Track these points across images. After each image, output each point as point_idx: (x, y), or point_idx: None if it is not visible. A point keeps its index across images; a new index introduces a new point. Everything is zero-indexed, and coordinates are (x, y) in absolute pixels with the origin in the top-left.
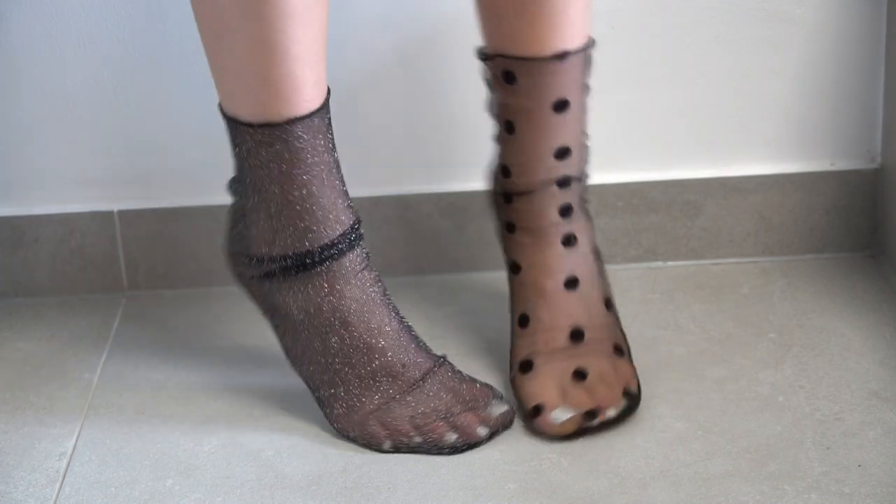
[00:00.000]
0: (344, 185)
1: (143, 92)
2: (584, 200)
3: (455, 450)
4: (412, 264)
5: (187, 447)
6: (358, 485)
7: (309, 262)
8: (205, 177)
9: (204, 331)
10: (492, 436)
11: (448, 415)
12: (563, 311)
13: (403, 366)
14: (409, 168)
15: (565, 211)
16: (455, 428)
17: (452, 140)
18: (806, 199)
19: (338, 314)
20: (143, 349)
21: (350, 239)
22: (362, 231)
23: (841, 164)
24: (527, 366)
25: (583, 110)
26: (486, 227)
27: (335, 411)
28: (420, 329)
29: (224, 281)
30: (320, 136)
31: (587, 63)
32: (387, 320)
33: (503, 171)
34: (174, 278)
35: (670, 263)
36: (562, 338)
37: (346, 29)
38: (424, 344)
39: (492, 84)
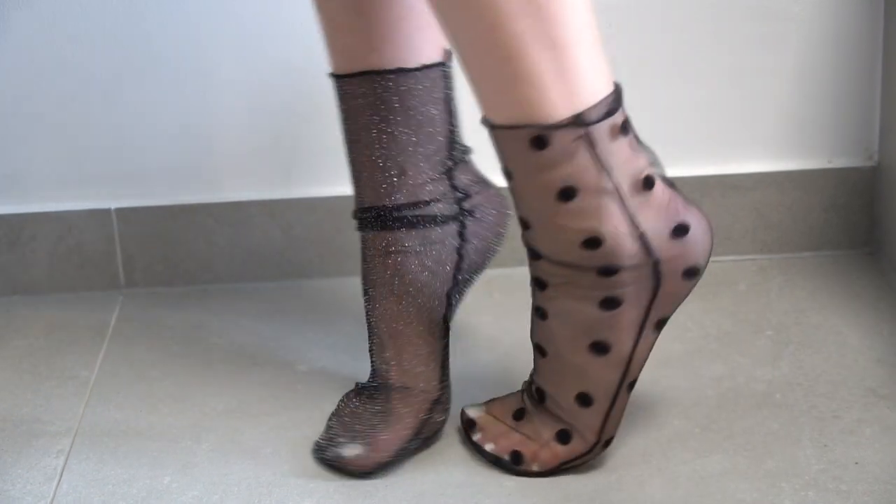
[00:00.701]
0: (392, 168)
1: (141, 90)
2: (607, 298)
3: (314, 450)
4: None
5: (185, 445)
6: (356, 483)
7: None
8: (202, 174)
9: (201, 328)
10: (331, 466)
11: (350, 426)
12: (536, 367)
13: (375, 369)
14: None
15: (537, 282)
16: (331, 438)
17: None
18: (804, 196)
19: (362, 283)
20: (141, 347)
21: (369, 217)
22: (390, 221)
23: (839, 162)
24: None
25: (544, 192)
26: None
27: None
28: None
29: (221, 278)
30: (354, 100)
31: (527, 146)
32: (383, 316)
33: None
34: (171, 276)
35: None
36: (534, 386)
37: None
38: (431, 372)
39: None
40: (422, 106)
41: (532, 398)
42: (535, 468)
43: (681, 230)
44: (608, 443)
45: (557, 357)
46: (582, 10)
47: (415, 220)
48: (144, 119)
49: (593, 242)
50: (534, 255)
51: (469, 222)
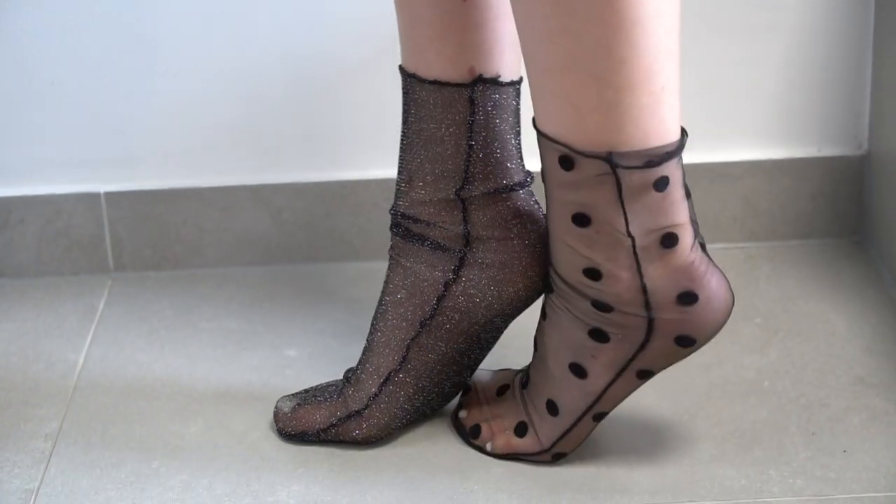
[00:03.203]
0: (404, 174)
1: (131, 74)
2: (596, 329)
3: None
4: None
5: (173, 429)
6: (344, 468)
7: None
8: (191, 158)
9: (190, 313)
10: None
11: (315, 388)
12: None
13: (358, 371)
14: (395, 152)
15: (547, 286)
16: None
17: None
18: (792, 185)
19: None
20: (129, 331)
21: (392, 219)
22: (394, 226)
23: (828, 151)
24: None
25: (561, 208)
26: None
27: None
28: None
29: (210, 263)
30: (411, 102)
31: (556, 161)
32: (381, 325)
33: None
34: (160, 260)
35: None
36: (522, 371)
37: (339, 11)
38: (366, 385)
39: None
40: (432, 122)
41: (521, 380)
42: (488, 448)
43: (687, 297)
44: (559, 456)
45: (542, 359)
46: (651, 55)
47: (409, 234)
48: (134, 103)
49: (593, 273)
50: (549, 261)
51: (468, 262)
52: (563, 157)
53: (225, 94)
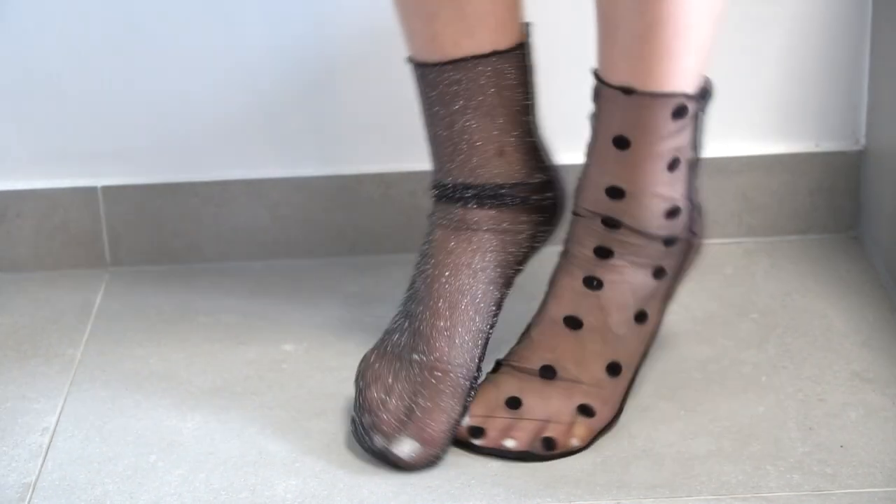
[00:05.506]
0: (459, 144)
1: (128, 67)
2: (659, 268)
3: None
4: (395, 243)
5: (170, 423)
6: (341, 462)
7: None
8: (188, 153)
9: (187, 307)
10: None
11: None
12: (549, 343)
13: (414, 345)
14: (392, 146)
15: (599, 252)
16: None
17: None
18: (790, 180)
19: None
20: (126, 325)
21: (439, 192)
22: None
23: (825, 146)
24: (496, 366)
25: (659, 160)
26: None
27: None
28: None
29: (207, 257)
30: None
31: (670, 114)
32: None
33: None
34: (157, 254)
35: None
36: (534, 365)
37: (336, 6)
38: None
39: None
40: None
41: (533, 378)
42: (574, 443)
43: (700, 209)
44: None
45: (597, 328)
46: None
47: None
48: (131, 97)
49: (674, 212)
50: (611, 224)
51: None
52: (678, 109)
53: (222, 88)
